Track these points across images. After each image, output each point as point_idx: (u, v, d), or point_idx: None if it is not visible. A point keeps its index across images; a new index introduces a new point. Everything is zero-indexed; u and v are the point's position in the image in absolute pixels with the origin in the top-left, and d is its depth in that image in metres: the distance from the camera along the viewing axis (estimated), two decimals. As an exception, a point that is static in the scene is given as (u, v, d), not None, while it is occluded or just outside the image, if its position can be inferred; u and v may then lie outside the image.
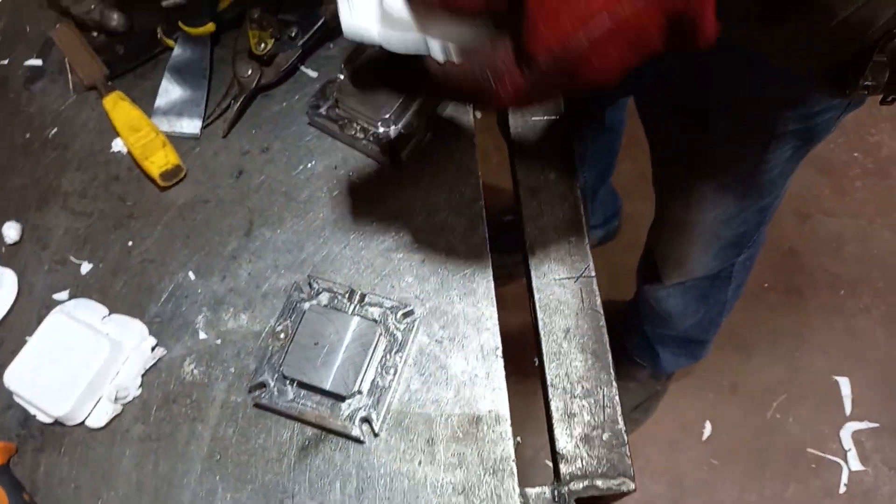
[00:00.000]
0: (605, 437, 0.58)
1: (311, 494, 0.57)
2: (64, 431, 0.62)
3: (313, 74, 0.79)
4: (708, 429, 1.54)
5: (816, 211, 1.76)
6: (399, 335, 0.61)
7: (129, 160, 0.76)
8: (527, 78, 0.39)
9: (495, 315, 0.63)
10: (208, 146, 0.76)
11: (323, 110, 0.73)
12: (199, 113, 0.77)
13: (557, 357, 0.61)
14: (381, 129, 0.71)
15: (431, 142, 0.73)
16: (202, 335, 0.65)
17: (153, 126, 0.75)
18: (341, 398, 0.59)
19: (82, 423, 0.62)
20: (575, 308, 0.63)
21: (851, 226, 1.74)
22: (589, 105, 1.22)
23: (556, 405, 0.59)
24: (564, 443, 0.58)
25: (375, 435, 0.58)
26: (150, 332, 0.66)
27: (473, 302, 0.64)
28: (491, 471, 0.57)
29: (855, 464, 1.47)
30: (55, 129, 0.79)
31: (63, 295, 0.69)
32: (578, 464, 0.57)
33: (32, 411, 0.63)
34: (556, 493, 0.56)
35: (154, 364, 0.64)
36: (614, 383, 0.60)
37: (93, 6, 0.81)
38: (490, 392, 0.60)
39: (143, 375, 0.64)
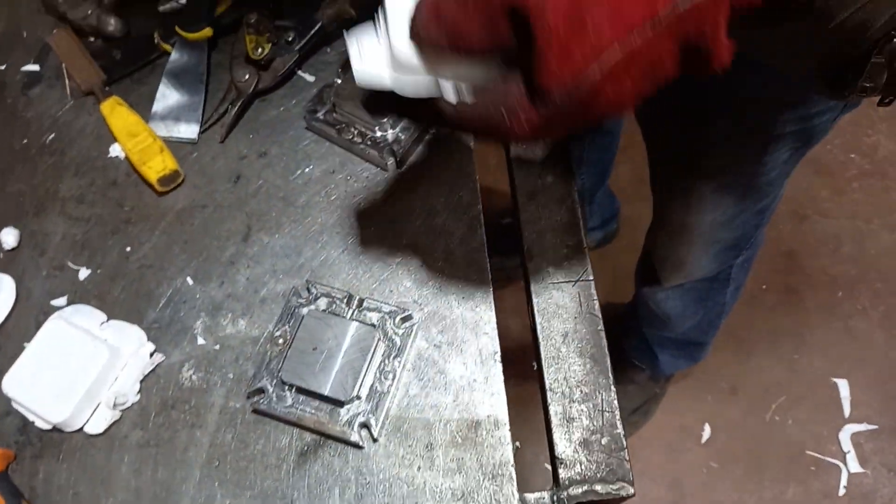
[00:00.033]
0: (604, 441, 0.58)
1: (311, 500, 0.57)
2: (62, 438, 0.62)
3: (311, 79, 0.79)
4: (707, 431, 1.54)
5: (814, 212, 1.77)
6: (397, 340, 0.61)
7: (126, 165, 0.76)
8: (541, 113, 0.39)
9: (494, 319, 0.63)
10: (206, 151, 0.76)
11: (320, 115, 0.73)
12: (197, 118, 0.77)
13: (556, 361, 0.61)
14: (379, 134, 0.71)
15: (429, 146, 0.73)
16: (200, 341, 0.65)
17: (151, 131, 0.75)
18: (340, 403, 0.58)
19: (81, 429, 0.62)
20: (573, 312, 0.63)
21: (849, 227, 1.74)
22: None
23: (554, 410, 0.59)
24: (563, 447, 0.58)
25: (374, 440, 0.58)
26: (149, 338, 0.65)
27: (472, 306, 0.64)
28: (490, 476, 0.57)
29: (854, 466, 1.47)
30: (52, 135, 0.79)
31: (61, 301, 0.69)
32: (577, 468, 0.57)
33: (31, 418, 0.62)
34: (555, 498, 0.56)
35: (152, 370, 0.64)
36: (613, 387, 0.60)
37: (90, 11, 0.81)
38: (489, 397, 0.60)
39: (141, 381, 0.64)
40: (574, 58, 0.36)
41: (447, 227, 0.68)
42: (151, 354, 0.65)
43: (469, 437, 0.58)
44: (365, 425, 0.58)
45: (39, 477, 0.61)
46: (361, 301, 0.63)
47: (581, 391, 0.60)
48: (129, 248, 0.71)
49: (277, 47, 0.76)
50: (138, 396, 0.63)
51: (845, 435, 1.50)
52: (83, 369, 0.61)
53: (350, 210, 0.70)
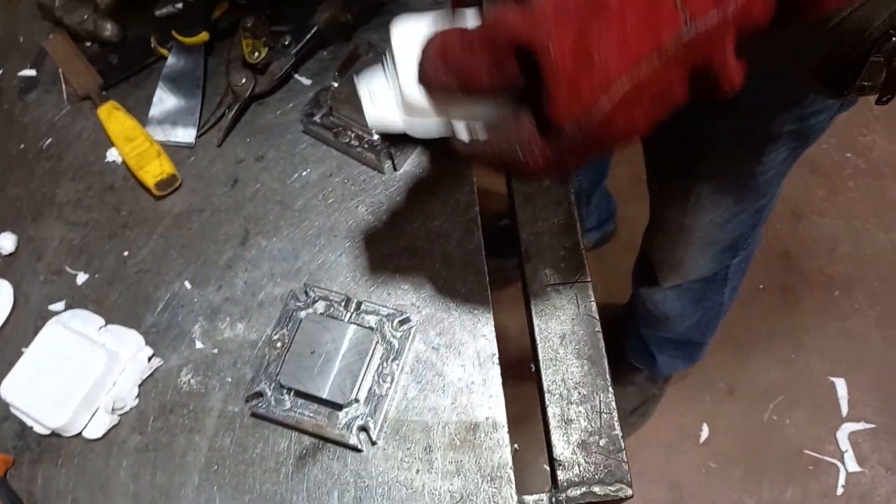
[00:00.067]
0: (602, 443, 0.58)
1: None
2: (61, 443, 0.62)
3: (307, 82, 0.79)
4: (705, 432, 1.55)
5: (810, 212, 1.77)
6: (395, 343, 0.61)
7: (123, 170, 0.76)
8: (554, 147, 0.39)
9: (491, 322, 0.63)
10: (203, 155, 0.76)
11: (317, 118, 0.73)
12: (194, 122, 0.77)
13: (554, 363, 0.61)
14: (376, 137, 0.71)
15: (426, 148, 0.73)
16: (199, 345, 0.65)
17: (148, 135, 0.75)
18: (338, 407, 0.59)
19: (79, 434, 0.62)
20: (571, 313, 0.63)
21: (844, 226, 1.75)
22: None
23: (552, 411, 0.59)
24: (562, 449, 0.58)
25: (373, 443, 0.58)
26: (147, 343, 0.65)
27: (469, 309, 0.64)
28: (489, 478, 0.57)
29: (852, 465, 1.48)
30: (49, 140, 0.79)
31: (59, 306, 0.69)
32: (576, 470, 0.57)
33: (29, 423, 0.62)
34: (553, 499, 0.56)
35: (151, 374, 0.64)
36: (611, 389, 0.60)
37: (86, 16, 0.81)
38: (487, 399, 0.60)
39: (139, 386, 0.64)
40: (583, 92, 0.36)
41: (444, 229, 0.68)
42: (149, 359, 0.65)
43: (467, 440, 0.58)
44: (363, 428, 0.58)
45: (38, 482, 0.61)
46: (359, 304, 0.63)
47: (579, 393, 0.60)
48: (126, 253, 0.71)
49: (274, 51, 0.76)
50: (136, 401, 0.63)
51: (843, 434, 1.51)
52: (81, 374, 0.61)
53: (347, 213, 0.70)
